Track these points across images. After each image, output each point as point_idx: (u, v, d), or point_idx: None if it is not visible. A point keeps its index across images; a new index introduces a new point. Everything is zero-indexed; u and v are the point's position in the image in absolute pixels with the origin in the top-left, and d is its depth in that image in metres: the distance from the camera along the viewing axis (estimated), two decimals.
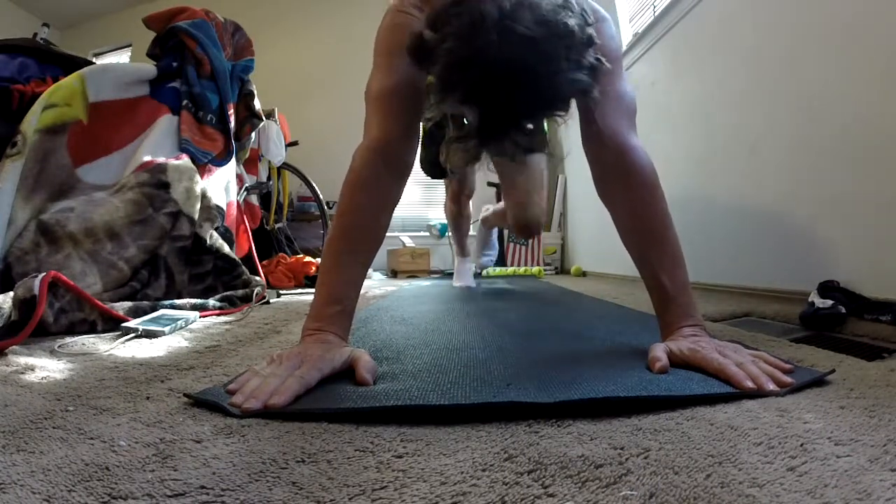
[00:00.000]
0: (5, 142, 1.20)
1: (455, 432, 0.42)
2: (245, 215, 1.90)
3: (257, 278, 1.53)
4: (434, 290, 1.97)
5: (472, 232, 2.12)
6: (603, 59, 0.58)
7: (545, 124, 0.73)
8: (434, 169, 1.60)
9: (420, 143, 1.47)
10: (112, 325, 0.95)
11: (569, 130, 0.79)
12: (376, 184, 0.71)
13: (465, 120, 0.61)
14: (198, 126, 1.58)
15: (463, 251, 2.05)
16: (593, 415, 0.45)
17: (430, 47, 0.56)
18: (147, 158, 1.36)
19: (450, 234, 2.09)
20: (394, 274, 3.43)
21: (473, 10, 0.54)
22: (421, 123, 0.79)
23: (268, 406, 0.47)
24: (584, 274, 3.15)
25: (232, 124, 1.72)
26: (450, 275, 3.31)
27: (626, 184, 0.71)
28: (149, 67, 1.55)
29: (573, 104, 0.67)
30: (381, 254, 3.67)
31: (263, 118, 1.98)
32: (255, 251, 1.79)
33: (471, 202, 1.93)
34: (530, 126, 0.59)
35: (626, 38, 2.49)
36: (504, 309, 1.27)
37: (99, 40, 4.74)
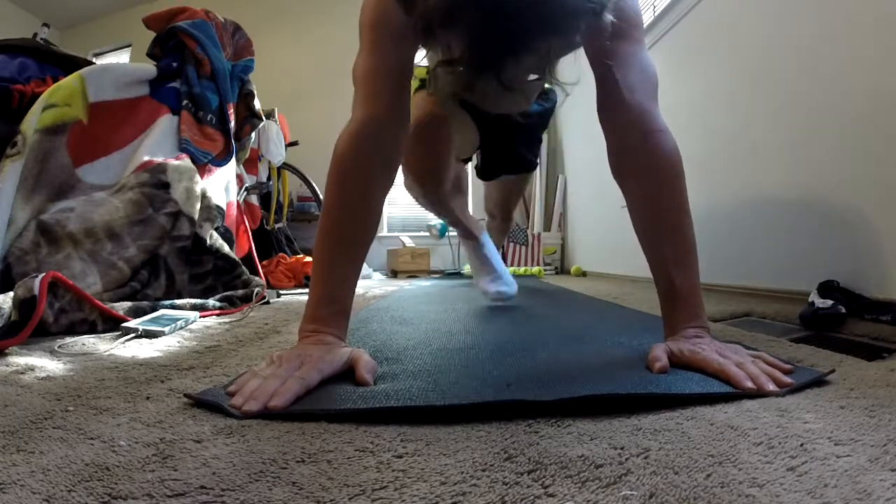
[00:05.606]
0: (5, 142, 1.20)
1: (455, 432, 0.42)
2: (245, 215, 1.90)
3: (257, 278, 1.53)
4: (434, 290, 1.97)
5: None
6: None
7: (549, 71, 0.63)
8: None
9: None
10: (112, 325, 0.95)
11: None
12: (362, 171, 0.66)
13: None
14: (198, 126, 1.59)
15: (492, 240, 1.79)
16: (593, 414, 0.45)
17: None
18: (147, 158, 1.36)
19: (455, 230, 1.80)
20: (394, 274, 3.43)
21: None
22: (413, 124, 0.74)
23: (268, 408, 0.47)
24: (584, 274, 3.15)
25: (232, 124, 1.73)
26: (450, 275, 3.31)
27: (647, 168, 0.66)
28: (149, 67, 1.55)
29: (590, 75, 0.62)
30: (381, 254, 3.68)
31: (263, 118, 1.99)
32: (255, 251, 1.80)
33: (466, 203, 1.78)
34: (529, 58, 0.51)
35: None
36: (504, 309, 1.27)
37: (99, 40, 4.75)
